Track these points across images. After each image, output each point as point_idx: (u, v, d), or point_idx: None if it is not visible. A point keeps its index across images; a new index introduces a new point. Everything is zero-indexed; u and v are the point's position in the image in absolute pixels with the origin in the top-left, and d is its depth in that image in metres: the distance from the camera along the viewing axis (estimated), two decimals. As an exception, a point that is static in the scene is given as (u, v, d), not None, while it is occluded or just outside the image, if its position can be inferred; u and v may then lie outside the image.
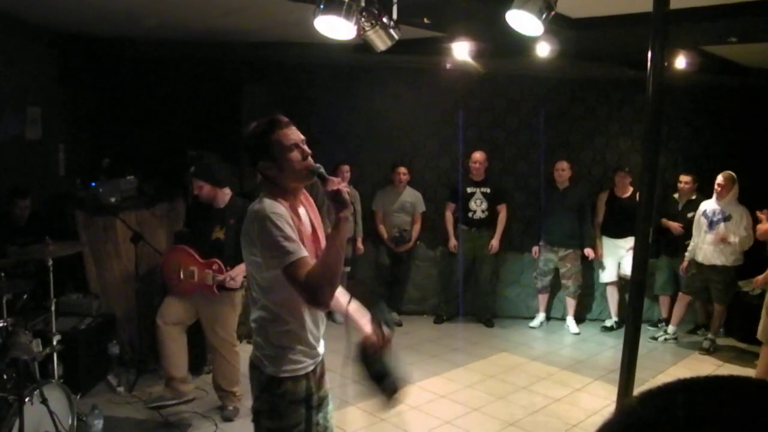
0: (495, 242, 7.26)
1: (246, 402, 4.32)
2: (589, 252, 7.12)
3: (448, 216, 7.38)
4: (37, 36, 6.20)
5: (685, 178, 6.96)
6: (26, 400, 3.29)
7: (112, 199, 5.76)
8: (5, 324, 3.70)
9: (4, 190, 5.38)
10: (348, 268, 7.25)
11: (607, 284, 7.34)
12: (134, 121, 6.86)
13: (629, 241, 6.77)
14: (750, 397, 0.56)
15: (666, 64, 4.30)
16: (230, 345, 4.81)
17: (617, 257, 7.18)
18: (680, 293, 6.83)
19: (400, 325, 7.28)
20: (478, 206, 7.22)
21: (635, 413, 0.58)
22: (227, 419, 4.74)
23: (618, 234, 7.09)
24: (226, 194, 4.74)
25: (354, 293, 2.81)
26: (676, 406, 0.56)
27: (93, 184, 5.88)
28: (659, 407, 0.57)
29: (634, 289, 3.44)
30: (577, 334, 7.20)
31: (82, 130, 6.87)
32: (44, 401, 3.50)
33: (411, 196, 7.34)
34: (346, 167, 7.06)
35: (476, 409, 5.08)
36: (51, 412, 3.53)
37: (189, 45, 6.82)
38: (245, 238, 2.51)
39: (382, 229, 7.33)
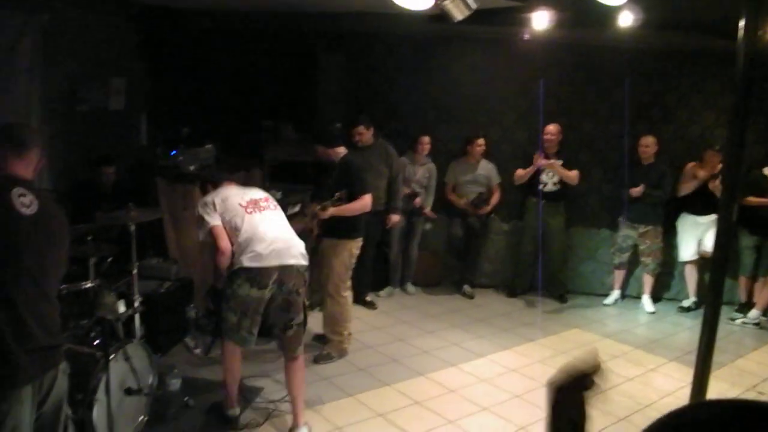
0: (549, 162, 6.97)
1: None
2: None
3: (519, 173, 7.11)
4: (119, 9, 6.38)
5: None
6: (111, 357, 3.45)
7: (191, 167, 5.91)
8: (92, 285, 3.89)
9: (91, 157, 5.60)
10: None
11: (686, 263, 7.09)
12: (213, 92, 7.00)
13: (710, 218, 6.53)
14: None
15: (760, 33, 4.08)
16: (334, 292, 5.31)
17: (698, 235, 6.92)
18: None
19: (472, 297, 7.26)
20: (549, 179, 7.05)
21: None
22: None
23: (700, 211, 6.81)
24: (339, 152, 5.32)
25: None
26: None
27: (173, 152, 6.04)
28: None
29: (715, 267, 3.31)
30: (653, 313, 7.01)
31: (162, 100, 7.06)
32: (128, 359, 3.67)
33: (484, 168, 7.23)
34: (426, 138, 7.01)
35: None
36: (134, 370, 3.69)
37: (266, 16, 6.90)
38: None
39: (455, 198, 7.25)
